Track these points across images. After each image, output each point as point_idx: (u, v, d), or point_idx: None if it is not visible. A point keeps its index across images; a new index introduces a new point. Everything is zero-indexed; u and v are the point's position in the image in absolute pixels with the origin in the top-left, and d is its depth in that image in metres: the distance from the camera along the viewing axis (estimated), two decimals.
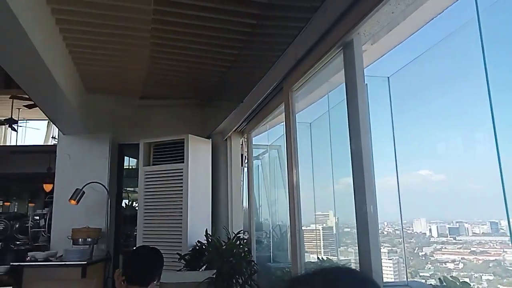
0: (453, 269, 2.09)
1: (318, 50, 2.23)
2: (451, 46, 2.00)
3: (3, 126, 8.73)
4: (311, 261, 3.18)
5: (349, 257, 2.82)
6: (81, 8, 2.96)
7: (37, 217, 6.56)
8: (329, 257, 3.26)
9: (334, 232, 3.28)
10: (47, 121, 9.73)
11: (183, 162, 4.15)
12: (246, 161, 4.47)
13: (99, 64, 4.08)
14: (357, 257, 1.88)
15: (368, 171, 1.84)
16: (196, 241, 3.85)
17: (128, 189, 5.45)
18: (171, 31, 3.29)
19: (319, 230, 3.35)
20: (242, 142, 4.57)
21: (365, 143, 1.87)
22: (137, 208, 4.60)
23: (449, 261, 2.13)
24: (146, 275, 2.04)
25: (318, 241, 3.38)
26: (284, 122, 2.83)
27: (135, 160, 5.42)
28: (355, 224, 1.89)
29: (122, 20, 3.14)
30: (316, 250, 3.36)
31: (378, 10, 1.71)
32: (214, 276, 3.09)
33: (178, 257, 3.66)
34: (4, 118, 8.40)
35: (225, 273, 3.22)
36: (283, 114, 2.86)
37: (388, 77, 2.40)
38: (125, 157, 5.30)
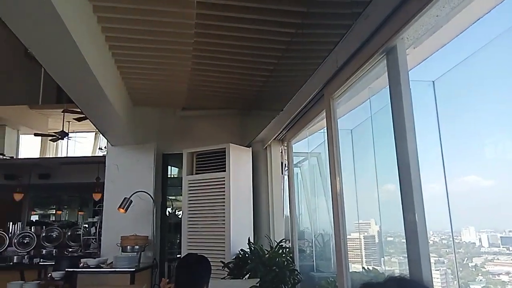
0: (508, 282, 1.97)
1: (360, 57, 2.21)
2: (501, 47, 1.92)
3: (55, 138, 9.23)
4: (355, 271, 3.11)
5: (393, 267, 2.73)
6: (128, 26, 3.13)
7: (86, 225, 6.89)
8: (374, 267, 3.18)
9: (377, 241, 3.20)
10: (95, 133, 10.22)
11: (225, 170, 4.22)
12: (286, 169, 4.47)
13: (145, 78, 4.28)
14: (402, 267, 1.83)
15: (416, 178, 1.80)
16: (239, 249, 3.88)
17: (170, 197, 5.60)
18: (212, 43, 3.39)
19: (360, 239, 3.28)
20: (281, 150, 4.58)
21: (411, 150, 1.83)
22: (180, 216, 4.69)
23: (503, 273, 2.02)
24: (195, 282, 2.09)
25: (360, 251, 3.31)
26: (326, 130, 2.80)
27: (177, 169, 5.56)
28: (403, 233, 1.85)
29: (166, 35, 3.27)
30: (359, 260, 3.29)
31: (423, 14, 1.68)
32: (258, 284, 3.10)
33: (222, 265, 3.70)
34: (57, 131, 8.92)
35: (269, 281, 3.22)
36: (324, 121, 2.84)
37: (433, 81, 2.33)
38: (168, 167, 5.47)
